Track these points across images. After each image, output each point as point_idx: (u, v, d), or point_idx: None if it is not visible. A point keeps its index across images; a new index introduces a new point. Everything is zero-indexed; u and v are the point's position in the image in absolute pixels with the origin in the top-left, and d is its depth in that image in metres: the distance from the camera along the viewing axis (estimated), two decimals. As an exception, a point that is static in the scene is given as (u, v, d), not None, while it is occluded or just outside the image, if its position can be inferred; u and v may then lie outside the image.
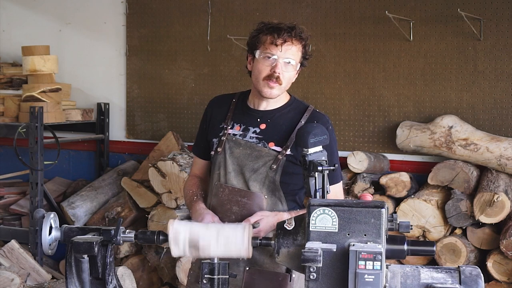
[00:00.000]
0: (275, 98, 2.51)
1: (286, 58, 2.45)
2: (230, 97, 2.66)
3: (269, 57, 2.45)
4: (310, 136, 2.09)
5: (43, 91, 4.54)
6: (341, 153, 4.26)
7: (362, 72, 4.33)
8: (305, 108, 2.57)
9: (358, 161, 4.12)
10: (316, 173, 2.02)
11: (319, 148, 2.11)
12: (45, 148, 4.35)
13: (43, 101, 4.49)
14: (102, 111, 5.02)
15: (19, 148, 4.23)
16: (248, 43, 2.55)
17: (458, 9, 3.89)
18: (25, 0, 5.34)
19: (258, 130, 2.53)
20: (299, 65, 2.51)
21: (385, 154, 4.29)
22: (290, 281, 2.42)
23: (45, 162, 4.35)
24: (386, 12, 4.05)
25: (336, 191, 2.46)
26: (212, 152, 2.58)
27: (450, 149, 3.96)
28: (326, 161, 2.08)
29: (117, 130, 5.08)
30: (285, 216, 2.41)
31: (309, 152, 2.09)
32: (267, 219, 2.39)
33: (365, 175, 4.13)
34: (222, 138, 2.54)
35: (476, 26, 3.98)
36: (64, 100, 4.83)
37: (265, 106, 2.56)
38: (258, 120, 2.55)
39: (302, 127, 2.31)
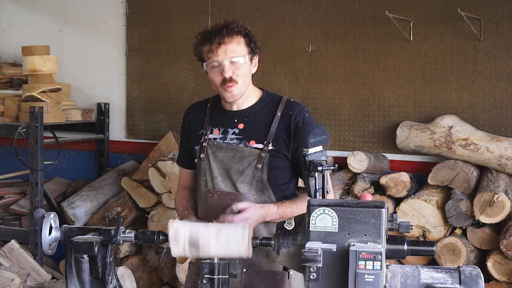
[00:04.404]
0: (241, 97, 2.50)
1: (229, 58, 2.43)
2: (204, 103, 2.66)
3: (214, 66, 2.45)
4: (310, 136, 2.09)
5: (43, 91, 4.53)
6: (341, 153, 4.29)
7: (362, 72, 4.33)
8: (279, 100, 2.56)
9: (358, 161, 4.12)
10: (316, 173, 2.03)
11: (319, 148, 2.11)
12: (45, 148, 4.35)
13: (43, 101, 4.49)
14: (102, 111, 5.02)
15: (19, 148, 4.23)
16: (197, 59, 2.55)
17: (458, 9, 3.88)
18: (25, 0, 5.34)
19: (237, 131, 2.53)
20: (248, 56, 2.47)
21: (385, 154, 4.29)
22: (288, 278, 2.43)
23: (45, 162, 4.35)
24: (386, 12, 4.05)
25: None
26: (196, 160, 2.58)
27: (450, 149, 3.95)
28: (326, 161, 2.08)
29: (117, 130, 5.08)
30: (271, 207, 2.42)
31: (309, 152, 2.09)
32: (254, 208, 2.38)
33: (365, 175, 4.13)
34: (203, 144, 2.54)
35: (476, 26, 3.98)
36: (64, 100, 4.83)
37: (239, 105, 2.55)
38: (235, 120, 2.54)
39: (301, 127, 2.32)
